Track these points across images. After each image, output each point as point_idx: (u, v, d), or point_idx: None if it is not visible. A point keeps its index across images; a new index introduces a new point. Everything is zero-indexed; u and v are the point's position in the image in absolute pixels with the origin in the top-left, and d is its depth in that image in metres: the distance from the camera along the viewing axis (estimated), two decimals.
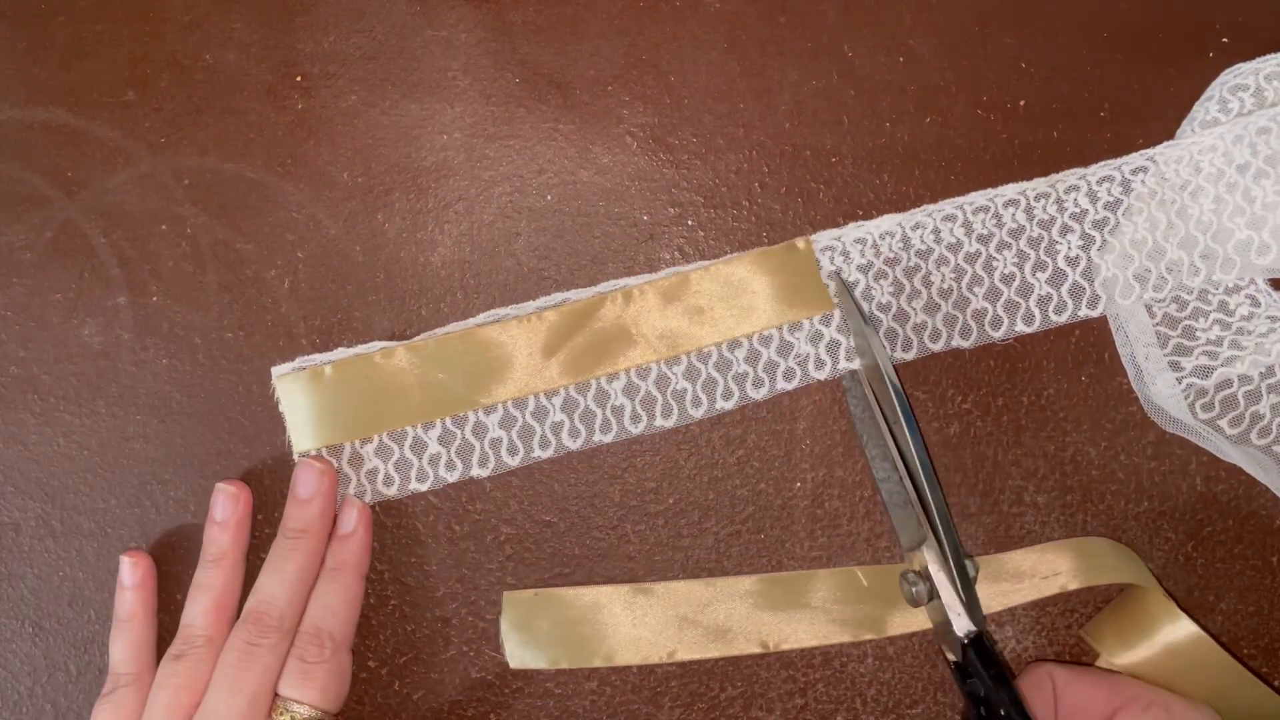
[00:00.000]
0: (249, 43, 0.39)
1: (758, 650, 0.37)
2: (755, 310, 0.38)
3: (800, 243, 0.38)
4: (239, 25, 0.39)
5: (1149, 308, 0.38)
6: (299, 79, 0.39)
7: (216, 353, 0.38)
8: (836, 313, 0.38)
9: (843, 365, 0.38)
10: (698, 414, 0.38)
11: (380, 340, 0.38)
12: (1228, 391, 0.38)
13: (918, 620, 0.37)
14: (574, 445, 0.37)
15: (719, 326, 0.37)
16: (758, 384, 0.38)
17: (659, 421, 0.38)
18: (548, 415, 0.37)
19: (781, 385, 0.38)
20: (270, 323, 0.38)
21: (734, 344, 0.38)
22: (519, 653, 0.36)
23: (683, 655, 0.37)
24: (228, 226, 0.39)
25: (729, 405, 0.38)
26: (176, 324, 0.38)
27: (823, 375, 0.38)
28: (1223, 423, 0.38)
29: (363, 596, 0.36)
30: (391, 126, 0.39)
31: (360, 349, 0.37)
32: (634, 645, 0.36)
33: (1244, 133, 0.38)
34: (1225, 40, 0.40)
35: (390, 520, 0.38)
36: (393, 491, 0.37)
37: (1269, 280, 0.38)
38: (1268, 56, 0.39)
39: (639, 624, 0.37)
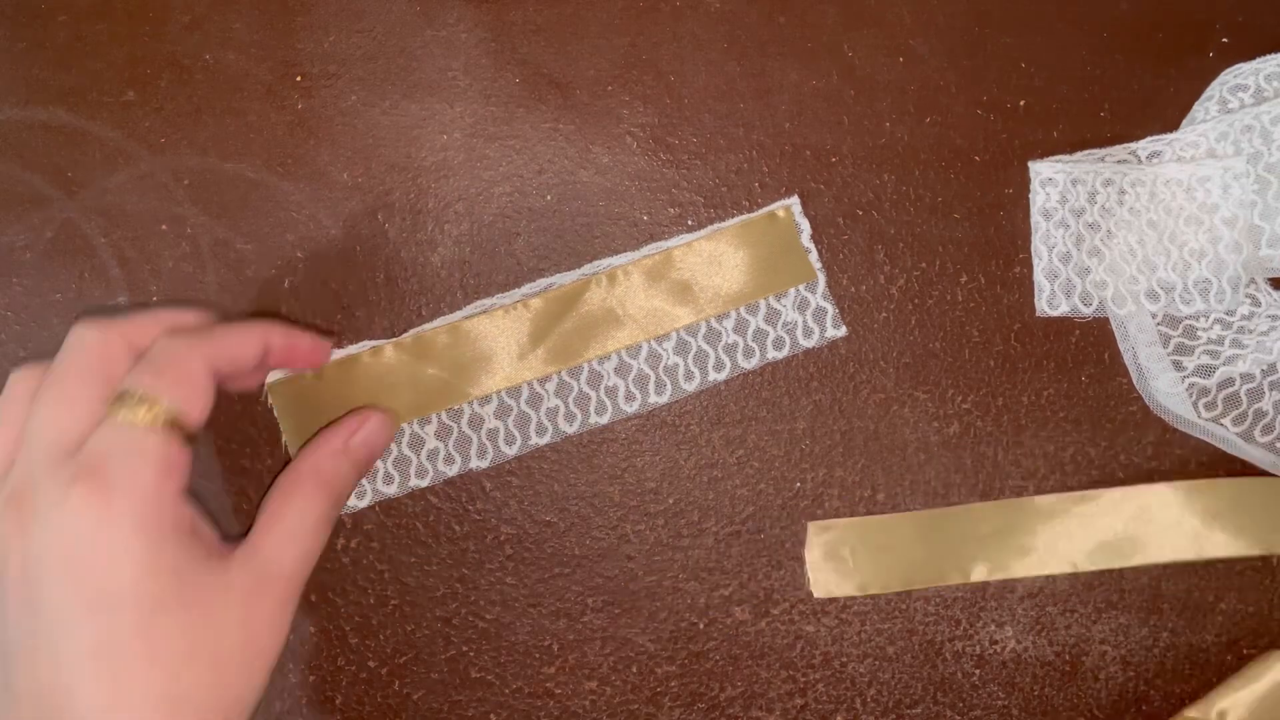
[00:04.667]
0: (249, 43, 0.39)
1: (1069, 570, 0.38)
2: (738, 284, 0.38)
3: (780, 211, 0.38)
4: (239, 25, 0.39)
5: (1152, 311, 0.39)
6: (299, 79, 0.39)
7: None
8: (821, 279, 0.38)
9: (830, 332, 0.38)
10: (691, 387, 0.38)
11: (378, 340, 0.38)
12: (1230, 390, 0.38)
13: None
14: (571, 429, 0.38)
15: (704, 303, 0.38)
16: (749, 354, 0.38)
17: (653, 398, 0.38)
18: (542, 401, 0.37)
19: (773, 354, 0.38)
20: None
21: (722, 315, 0.38)
22: (827, 580, 0.38)
23: (977, 576, 0.38)
24: (228, 226, 0.39)
25: (721, 376, 0.38)
26: None
27: (811, 343, 0.38)
28: (1226, 420, 0.38)
29: None
30: (391, 126, 0.39)
31: (350, 349, 0.37)
32: (933, 566, 0.38)
33: (1229, 129, 0.38)
34: (1225, 40, 0.40)
35: (390, 520, 0.38)
36: (393, 490, 0.37)
37: (1269, 279, 0.38)
38: (1268, 56, 0.39)
39: (933, 549, 0.38)
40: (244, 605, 0.30)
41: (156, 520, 0.29)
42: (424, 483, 0.37)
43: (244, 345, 0.33)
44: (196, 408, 0.31)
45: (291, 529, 0.32)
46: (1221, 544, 0.38)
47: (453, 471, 0.37)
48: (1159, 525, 0.38)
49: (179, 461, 0.30)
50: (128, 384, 0.30)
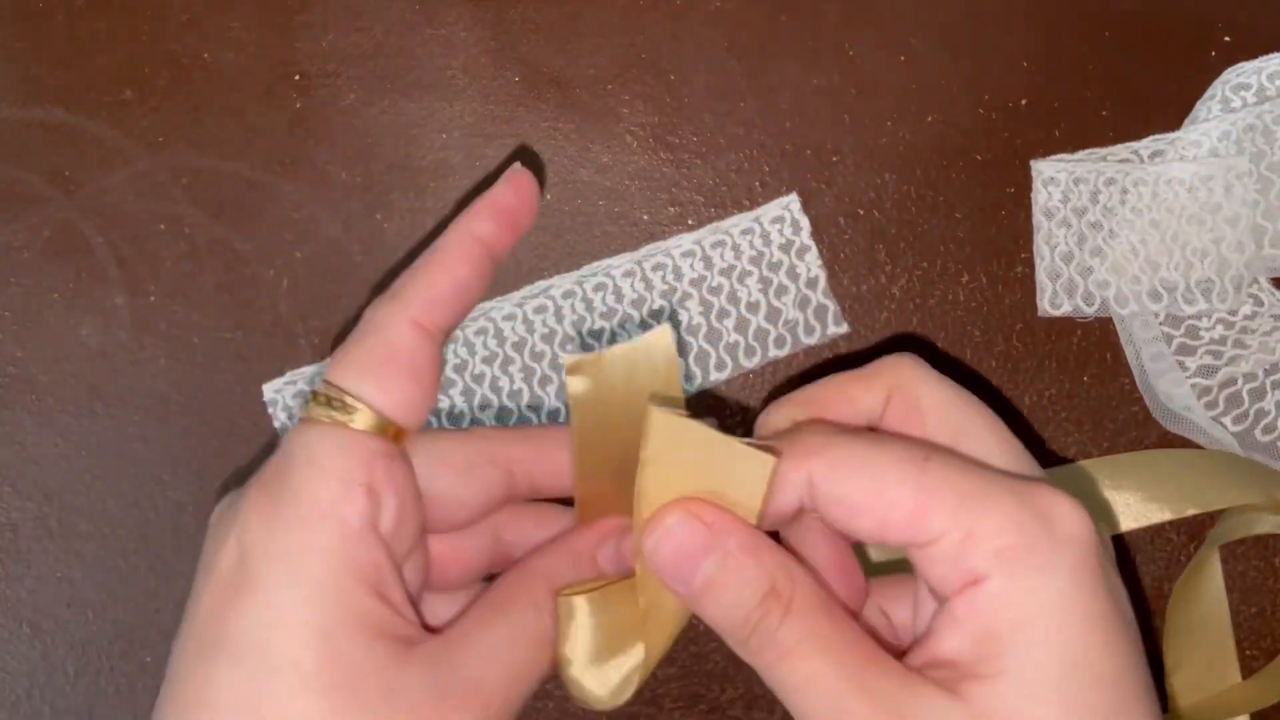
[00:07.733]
0: (247, 41, 0.39)
1: None
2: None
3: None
4: (237, 24, 0.39)
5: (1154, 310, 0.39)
6: (297, 78, 0.39)
7: (215, 353, 0.38)
8: (822, 278, 0.38)
9: (832, 329, 0.38)
10: (691, 388, 0.38)
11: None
12: (1232, 389, 0.38)
13: None
14: None
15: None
16: (750, 353, 0.38)
17: None
18: (544, 405, 0.37)
19: (774, 352, 0.38)
20: (269, 323, 0.38)
21: (723, 314, 0.38)
22: None
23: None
24: (226, 226, 0.38)
25: (723, 376, 0.38)
26: (174, 324, 0.38)
27: (813, 340, 0.38)
28: (1227, 420, 0.38)
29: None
30: (390, 125, 0.39)
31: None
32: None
33: (1231, 129, 0.38)
34: (1227, 39, 0.40)
35: None
36: None
37: (1272, 279, 0.38)
38: (1270, 55, 0.39)
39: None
40: None
41: (336, 564, 0.22)
42: None
43: (454, 272, 0.26)
44: (411, 400, 0.24)
45: (500, 641, 0.24)
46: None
47: None
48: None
49: (384, 478, 0.23)
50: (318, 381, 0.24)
